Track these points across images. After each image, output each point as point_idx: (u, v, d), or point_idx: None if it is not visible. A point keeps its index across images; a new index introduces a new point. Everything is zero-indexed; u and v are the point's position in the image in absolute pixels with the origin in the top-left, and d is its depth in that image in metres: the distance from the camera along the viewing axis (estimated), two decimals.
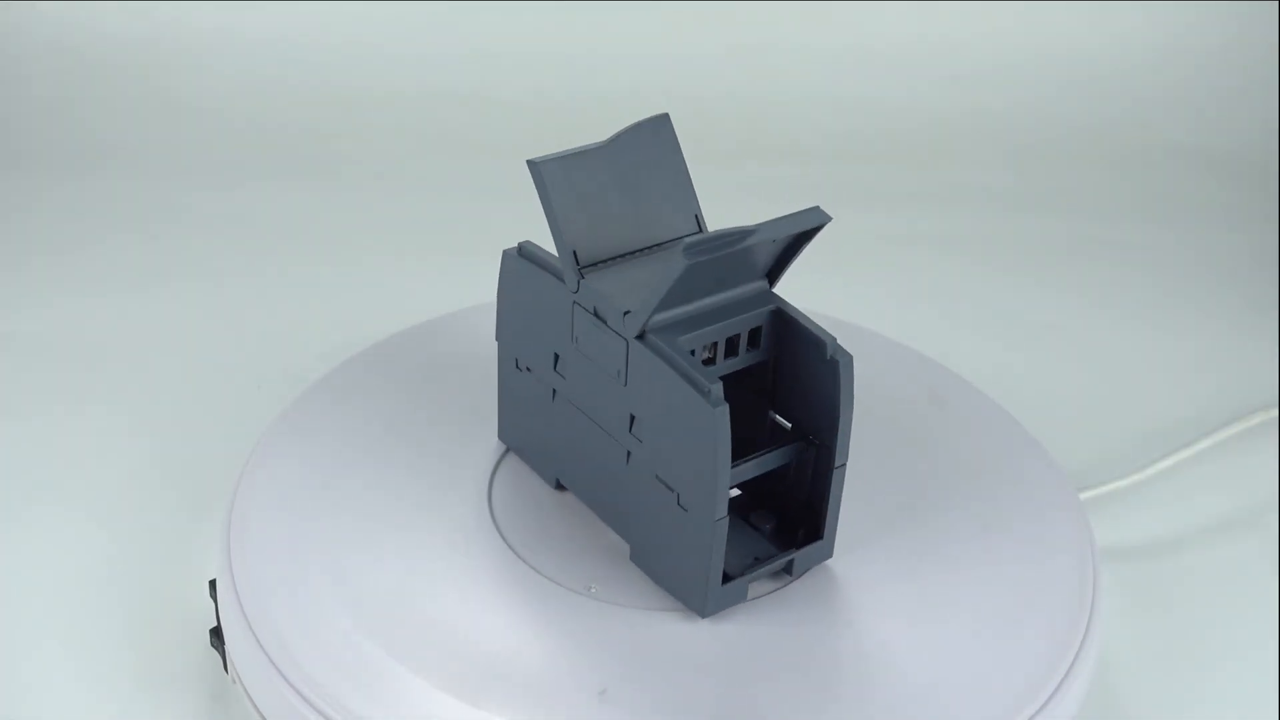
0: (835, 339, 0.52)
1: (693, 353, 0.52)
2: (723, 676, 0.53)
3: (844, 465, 0.54)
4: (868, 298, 0.95)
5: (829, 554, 0.57)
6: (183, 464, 0.76)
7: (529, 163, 0.55)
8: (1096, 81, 1.27)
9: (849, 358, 0.52)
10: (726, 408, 0.49)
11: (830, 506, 0.55)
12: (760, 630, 0.55)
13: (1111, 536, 0.74)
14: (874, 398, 0.69)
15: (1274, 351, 0.93)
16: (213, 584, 0.61)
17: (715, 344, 0.53)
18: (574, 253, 0.54)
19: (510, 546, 0.58)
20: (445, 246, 1.00)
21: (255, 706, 0.55)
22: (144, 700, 0.61)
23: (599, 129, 1.22)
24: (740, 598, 0.55)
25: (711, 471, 0.50)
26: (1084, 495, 0.72)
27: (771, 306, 0.54)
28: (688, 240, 0.49)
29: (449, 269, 0.97)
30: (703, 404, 0.49)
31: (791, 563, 0.56)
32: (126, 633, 0.65)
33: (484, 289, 0.79)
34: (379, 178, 1.11)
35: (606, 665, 0.53)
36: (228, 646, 0.58)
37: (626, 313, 0.52)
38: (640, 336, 0.52)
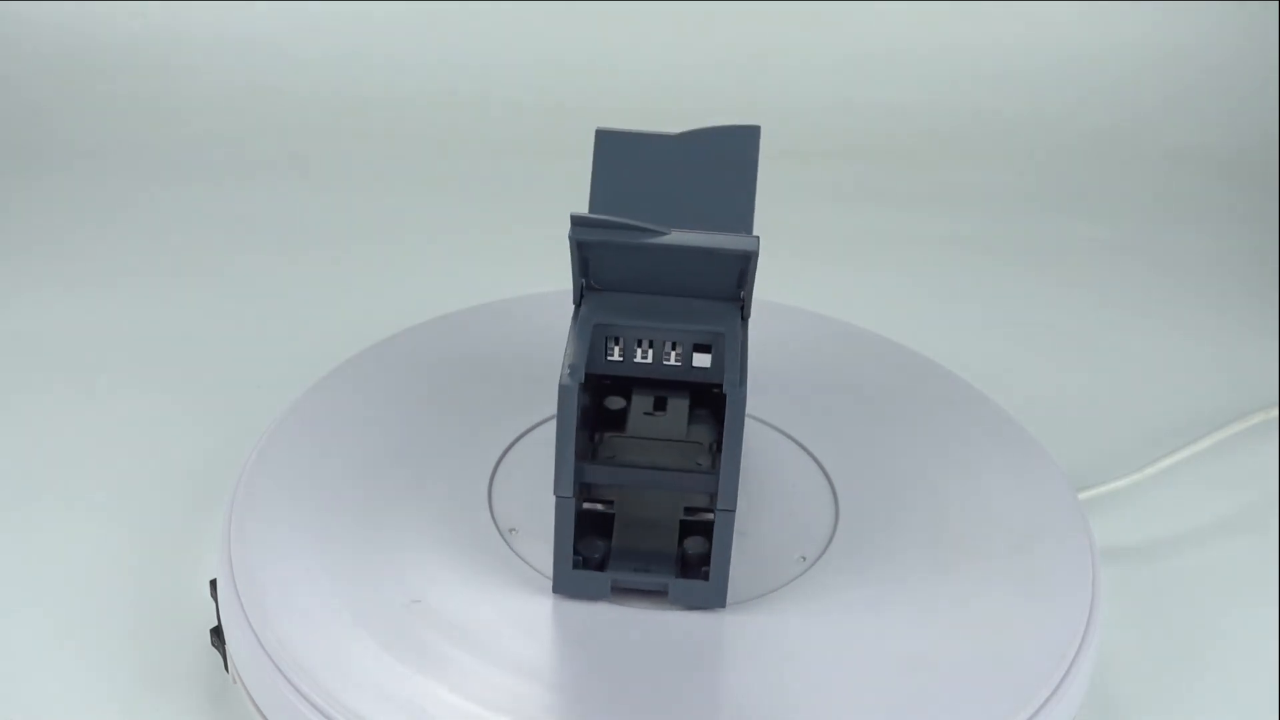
0: (741, 376, 0.50)
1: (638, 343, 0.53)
2: (724, 675, 0.53)
3: (731, 511, 0.52)
4: (867, 298, 0.95)
5: (719, 603, 0.55)
6: (183, 464, 0.76)
7: (598, 130, 0.55)
8: (1098, 82, 1.27)
9: (740, 395, 0.50)
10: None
11: (715, 550, 0.53)
12: (760, 628, 0.55)
13: (1111, 536, 0.74)
14: (873, 398, 0.69)
15: (1274, 351, 0.93)
16: (213, 584, 0.61)
17: (674, 345, 0.53)
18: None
19: (512, 546, 0.58)
20: (445, 246, 1.00)
21: (255, 706, 0.55)
22: (144, 700, 0.61)
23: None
24: (600, 594, 0.55)
25: None
26: (1084, 495, 0.72)
27: (718, 328, 0.52)
28: (581, 215, 0.50)
29: (449, 269, 0.97)
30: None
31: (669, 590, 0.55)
32: (126, 633, 0.65)
33: (484, 289, 0.79)
34: (379, 178, 1.11)
35: (608, 665, 0.53)
36: (228, 646, 0.58)
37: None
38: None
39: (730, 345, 0.51)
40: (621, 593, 0.55)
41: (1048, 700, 0.53)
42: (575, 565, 0.54)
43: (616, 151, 0.55)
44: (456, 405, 0.66)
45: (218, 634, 0.60)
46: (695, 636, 0.54)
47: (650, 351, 0.53)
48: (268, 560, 0.57)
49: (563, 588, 0.55)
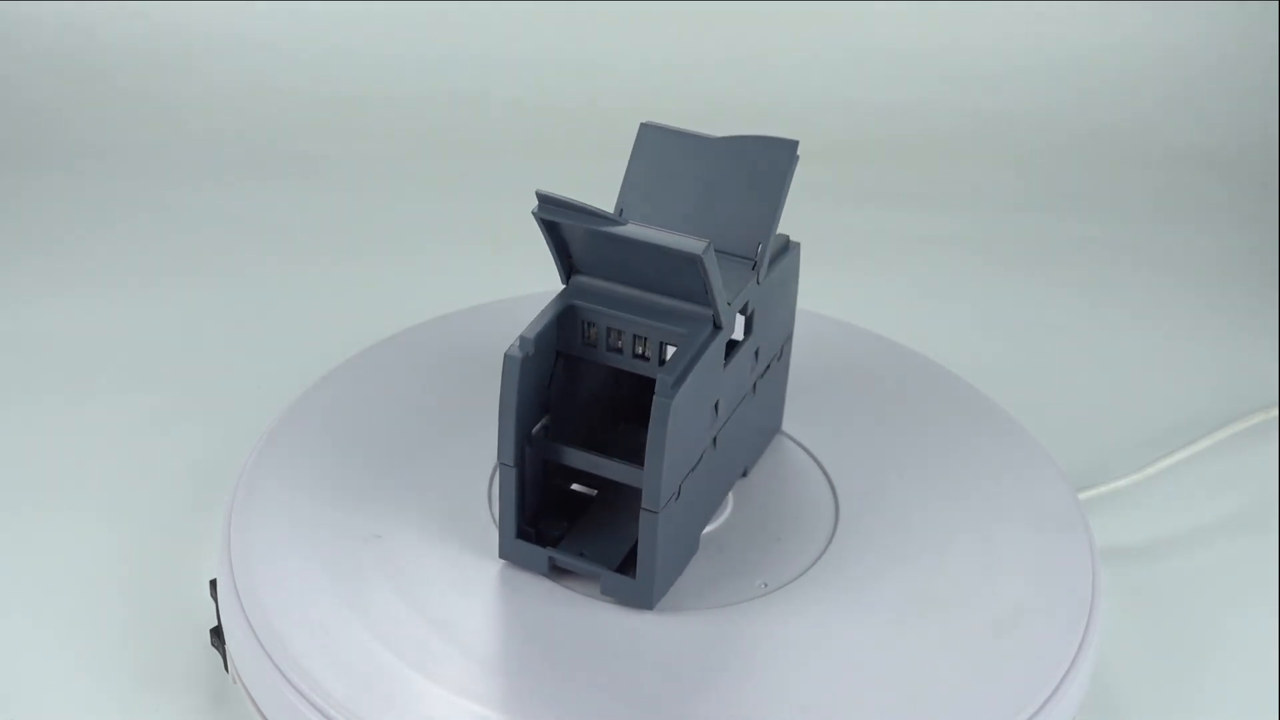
0: (673, 380, 0.50)
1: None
2: (725, 673, 0.53)
3: (655, 512, 0.52)
4: (867, 298, 0.95)
5: (646, 604, 0.55)
6: (183, 464, 0.76)
7: (642, 124, 0.57)
8: (1097, 82, 1.27)
9: (665, 403, 0.50)
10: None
11: (640, 549, 0.54)
12: (760, 626, 0.55)
13: (1111, 536, 0.74)
14: (873, 397, 0.69)
15: (1274, 351, 0.93)
16: (213, 584, 0.61)
17: (640, 338, 0.54)
18: (620, 210, 0.57)
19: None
20: (445, 246, 1.00)
21: (255, 706, 0.55)
22: (144, 700, 0.61)
23: (599, 129, 1.22)
24: (539, 568, 0.56)
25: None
26: (1084, 495, 0.72)
27: (682, 330, 0.53)
28: (546, 192, 0.51)
29: (449, 269, 0.97)
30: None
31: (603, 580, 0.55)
32: (126, 633, 0.65)
33: (484, 289, 0.79)
34: (379, 178, 1.11)
35: (608, 666, 0.53)
36: (228, 646, 0.58)
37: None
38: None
39: (684, 351, 0.52)
40: (563, 575, 0.56)
41: (1048, 700, 0.53)
42: (520, 535, 0.56)
43: (656, 146, 0.57)
44: (456, 405, 0.66)
45: (218, 634, 0.60)
46: (693, 649, 0.54)
47: (621, 343, 0.54)
48: (268, 560, 0.57)
49: (507, 554, 0.56)
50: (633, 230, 0.51)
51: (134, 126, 1.14)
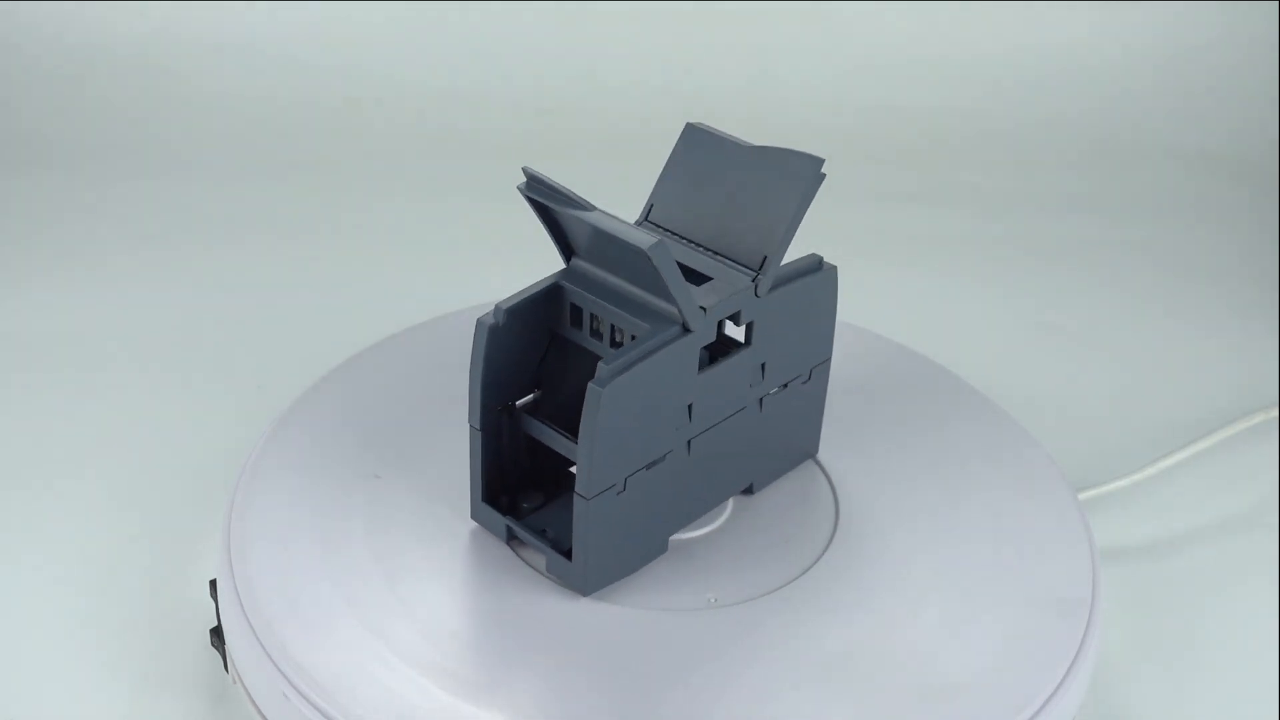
0: (611, 370, 0.51)
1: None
2: (725, 674, 0.53)
3: (585, 498, 0.53)
4: (866, 298, 0.95)
5: (581, 589, 0.55)
6: (183, 464, 0.76)
7: (688, 125, 0.57)
8: (1096, 82, 1.27)
9: (597, 391, 0.50)
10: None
11: (575, 534, 0.54)
12: (759, 625, 0.55)
13: (1111, 536, 0.74)
14: (873, 398, 0.69)
15: (1274, 351, 0.93)
16: (213, 584, 0.61)
17: (618, 328, 0.54)
18: (650, 206, 0.58)
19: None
20: (445, 246, 1.00)
21: (255, 706, 0.55)
22: (144, 700, 0.61)
23: (599, 129, 1.22)
24: (499, 533, 0.58)
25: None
26: (1084, 495, 0.72)
27: (646, 325, 0.53)
28: (532, 171, 0.52)
29: (449, 269, 0.97)
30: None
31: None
32: (126, 633, 0.65)
33: (484, 289, 0.79)
34: (379, 178, 1.11)
35: (610, 666, 0.53)
36: (228, 646, 0.58)
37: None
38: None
39: (636, 345, 0.52)
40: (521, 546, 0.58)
41: (1048, 700, 0.53)
42: (487, 499, 0.57)
43: (696, 148, 0.57)
44: (456, 405, 0.66)
45: (218, 634, 0.60)
46: (698, 637, 0.54)
47: (602, 329, 0.55)
48: (268, 560, 0.57)
49: (476, 515, 0.59)
50: (595, 217, 0.52)
51: (134, 126, 1.15)
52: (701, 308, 0.53)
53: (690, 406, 0.55)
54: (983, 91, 1.26)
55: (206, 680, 0.62)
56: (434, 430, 0.64)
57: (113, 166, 1.09)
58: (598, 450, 0.51)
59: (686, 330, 0.53)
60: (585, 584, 0.55)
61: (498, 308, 0.53)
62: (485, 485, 0.57)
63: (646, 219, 0.58)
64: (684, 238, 0.57)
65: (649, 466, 0.54)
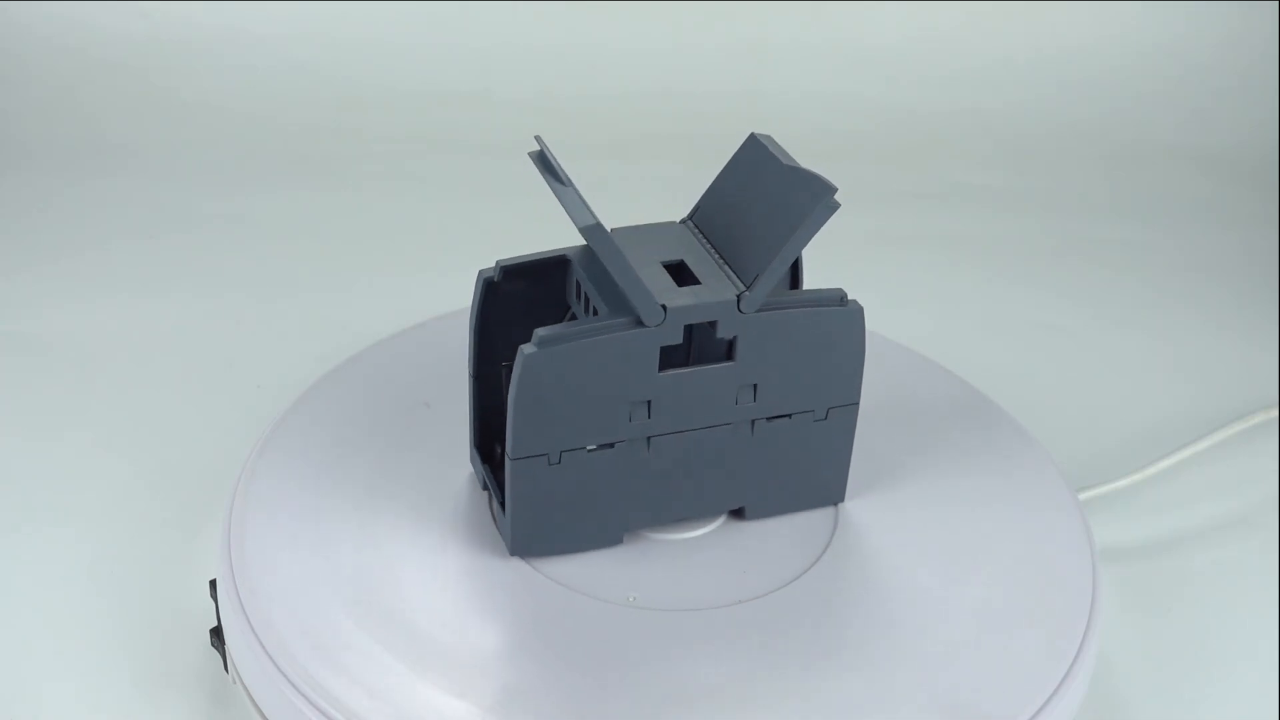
0: (540, 339, 0.52)
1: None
2: (728, 673, 0.53)
3: (511, 459, 0.54)
4: (866, 298, 0.94)
5: (510, 549, 0.57)
6: (183, 464, 0.76)
7: (751, 134, 0.58)
8: (1094, 81, 1.27)
9: (521, 354, 0.52)
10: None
11: (506, 490, 0.56)
12: (759, 624, 0.55)
13: (1111, 536, 0.74)
14: (872, 397, 0.69)
15: (1274, 351, 0.93)
16: (213, 584, 0.61)
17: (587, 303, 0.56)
18: (696, 208, 0.59)
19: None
20: (445, 246, 1.00)
21: (255, 706, 0.55)
22: (144, 700, 0.61)
23: (599, 129, 1.22)
24: (480, 480, 0.60)
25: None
26: (1084, 495, 0.72)
27: (608, 308, 0.54)
28: (543, 143, 0.54)
29: (449, 269, 0.97)
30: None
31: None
32: (126, 633, 0.65)
33: None
34: (379, 178, 1.11)
35: (610, 666, 0.53)
36: (228, 646, 0.58)
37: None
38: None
39: (580, 323, 0.52)
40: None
41: (1048, 700, 0.53)
42: (477, 446, 0.61)
43: (748, 158, 0.58)
44: (458, 405, 0.66)
45: (218, 634, 0.60)
46: (694, 635, 0.54)
47: (593, 308, 0.55)
48: (268, 560, 0.57)
49: (472, 461, 0.62)
50: (562, 191, 0.52)
51: (131, 128, 1.15)
52: (662, 305, 0.53)
53: (650, 403, 0.55)
54: (983, 92, 1.26)
55: (206, 680, 0.62)
56: (434, 430, 0.64)
57: (112, 166, 1.09)
58: (518, 412, 0.53)
59: (640, 323, 0.53)
60: (513, 544, 0.57)
61: (497, 263, 0.56)
62: (477, 431, 0.60)
63: (690, 217, 0.59)
64: (709, 241, 0.57)
65: (595, 449, 0.55)
